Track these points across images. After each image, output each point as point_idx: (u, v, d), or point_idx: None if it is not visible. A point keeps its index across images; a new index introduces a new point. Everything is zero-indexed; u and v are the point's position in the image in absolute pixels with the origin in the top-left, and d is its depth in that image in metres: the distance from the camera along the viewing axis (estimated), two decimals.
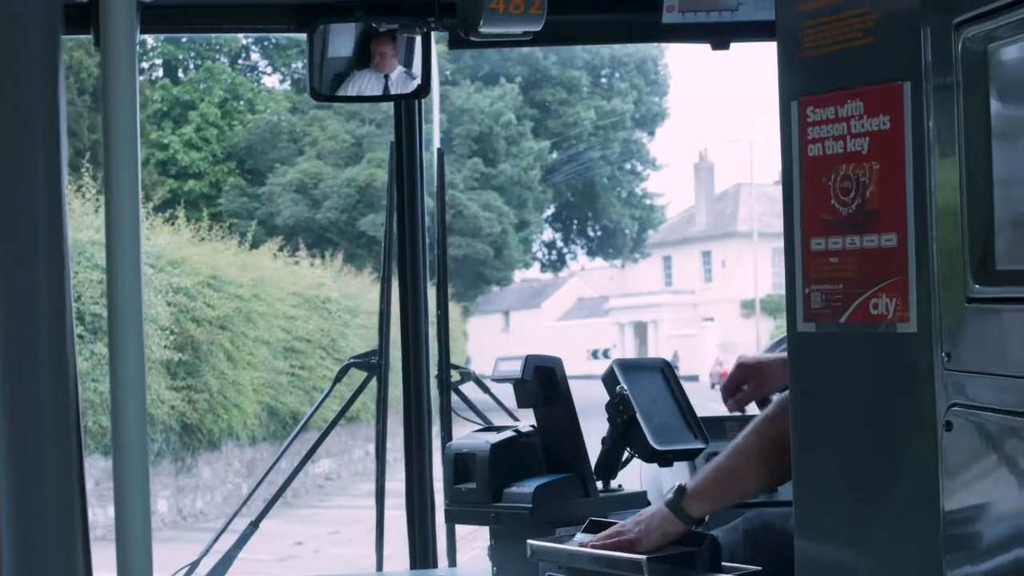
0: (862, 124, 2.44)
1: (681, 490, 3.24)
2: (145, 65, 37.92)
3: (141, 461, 1.44)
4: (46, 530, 1.07)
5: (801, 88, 2.58)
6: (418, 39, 3.75)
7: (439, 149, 4.41)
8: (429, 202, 4.46)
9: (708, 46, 3.91)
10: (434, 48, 3.85)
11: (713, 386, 52.59)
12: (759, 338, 56.15)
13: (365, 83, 3.79)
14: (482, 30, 3.45)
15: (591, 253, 52.52)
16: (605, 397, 3.76)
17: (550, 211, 47.87)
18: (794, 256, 2.59)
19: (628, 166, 49.13)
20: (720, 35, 3.81)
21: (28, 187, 0.95)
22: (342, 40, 3.74)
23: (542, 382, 3.77)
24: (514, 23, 3.42)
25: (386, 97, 3.97)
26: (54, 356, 1.04)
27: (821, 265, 2.52)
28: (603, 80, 47.38)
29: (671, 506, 3.22)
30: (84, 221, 18.11)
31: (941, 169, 2.29)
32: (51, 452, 1.07)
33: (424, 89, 3.77)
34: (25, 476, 1.06)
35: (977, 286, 2.22)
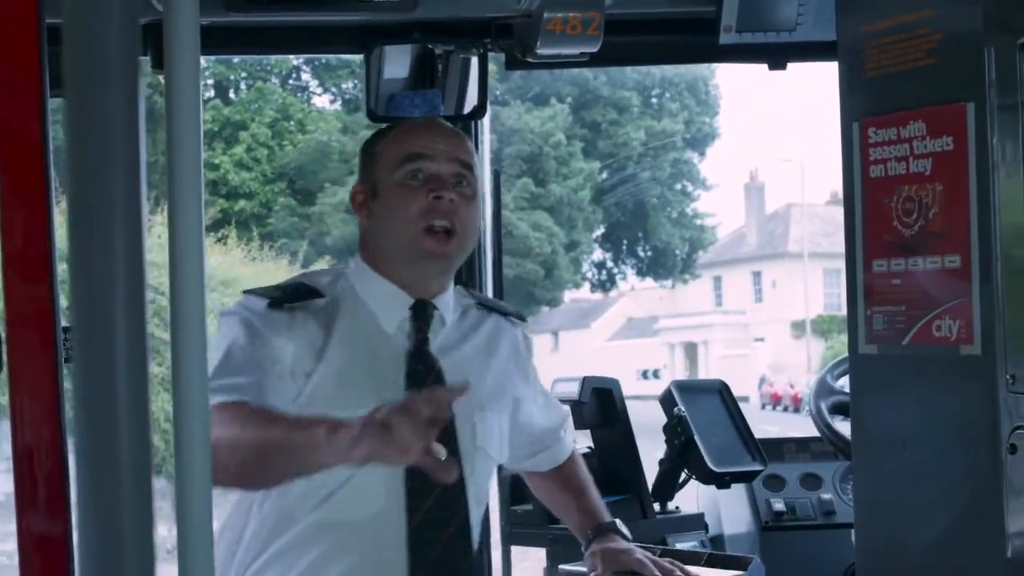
0: (925, 145, 2.43)
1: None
2: None
3: (204, 482, 1.44)
4: (121, 554, 1.07)
5: (863, 109, 2.57)
6: (474, 60, 3.76)
7: (495, 170, 4.40)
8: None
9: (763, 66, 3.90)
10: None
11: (763, 407, 52.45)
12: (810, 359, 55.93)
13: (421, 103, 3.80)
14: (539, 51, 3.44)
15: (641, 273, 52.46)
16: (655, 417, 3.75)
17: (600, 231, 47.85)
18: (856, 278, 2.57)
19: (678, 186, 49.05)
20: (778, 55, 3.78)
21: (107, 212, 0.95)
22: (399, 61, 3.75)
23: (599, 403, 3.77)
24: (571, 44, 3.42)
25: (442, 118, 3.98)
26: (131, 374, 1.04)
27: (883, 287, 2.51)
28: (653, 100, 47.32)
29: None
30: None
31: (1005, 190, 2.27)
32: (126, 474, 1.07)
33: (480, 110, 3.77)
34: (100, 497, 1.06)
35: None
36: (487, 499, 3.13)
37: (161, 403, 13.80)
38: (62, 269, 1.14)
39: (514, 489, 3.75)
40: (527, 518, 3.74)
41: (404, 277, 2.99)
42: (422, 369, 2.97)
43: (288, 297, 2.96)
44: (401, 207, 2.98)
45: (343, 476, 2.84)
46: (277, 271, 22.06)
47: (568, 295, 52.11)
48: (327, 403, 2.82)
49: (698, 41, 3.74)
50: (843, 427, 3.82)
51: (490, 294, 4.23)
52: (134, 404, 1.02)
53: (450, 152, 3.04)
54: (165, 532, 12.17)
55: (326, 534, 2.91)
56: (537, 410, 3.27)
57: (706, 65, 41.65)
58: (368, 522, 2.91)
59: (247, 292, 3.01)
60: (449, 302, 3.06)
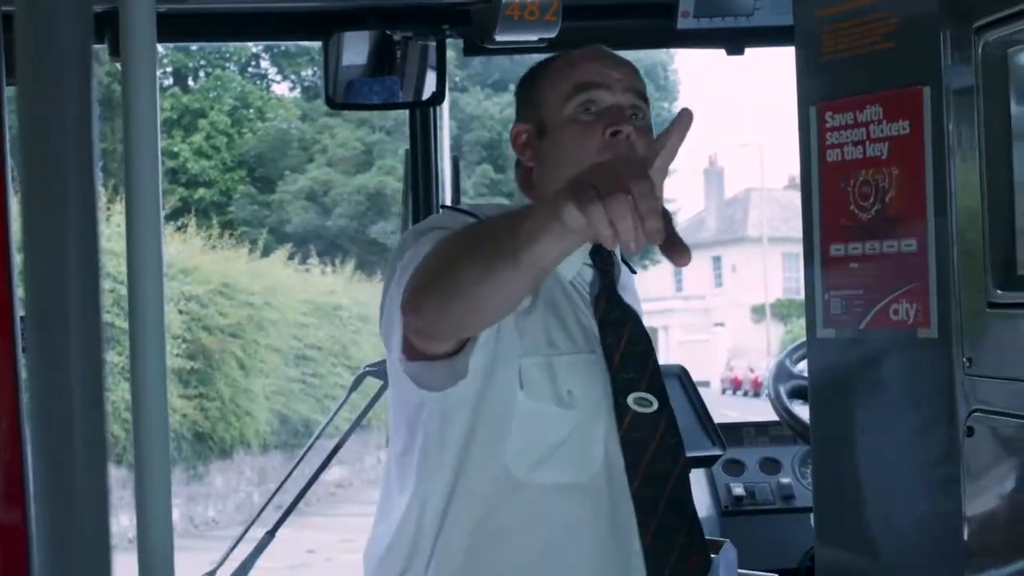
0: (881, 129, 2.43)
1: None
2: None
3: (163, 471, 1.44)
4: (77, 542, 1.07)
5: (819, 93, 2.58)
6: (432, 46, 3.75)
7: (455, 157, 4.40)
8: None
9: (722, 52, 3.91)
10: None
11: (724, 391, 52.57)
12: (770, 343, 56.11)
13: (380, 90, 3.79)
14: (497, 37, 3.44)
15: None
16: None
17: None
18: (813, 262, 2.58)
19: None
20: (735, 40, 3.80)
21: (60, 201, 0.95)
22: (357, 48, 3.74)
23: None
24: (529, 30, 3.42)
25: (401, 104, 3.97)
26: (85, 365, 1.04)
27: (841, 271, 2.52)
28: None
29: None
30: None
31: (961, 174, 2.28)
32: (82, 462, 1.06)
33: (439, 96, 3.77)
34: (56, 485, 1.06)
35: (998, 291, 2.22)
36: None
37: (121, 392, 13.77)
38: (20, 259, 1.14)
39: None
40: None
41: None
42: (618, 315, 2.75)
43: None
44: (574, 146, 2.68)
45: (561, 433, 2.64)
46: (237, 259, 22.00)
47: None
48: (547, 338, 2.64)
49: (656, 26, 3.75)
50: (802, 411, 3.84)
51: None
52: (89, 393, 1.02)
53: (626, 81, 2.75)
54: (127, 522, 12.13)
55: (557, 498, 2.67)
56: None
57: (665, 50, 41.67)
58: (593, 482, 2.67)
59: (444, 207, 2.80)
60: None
